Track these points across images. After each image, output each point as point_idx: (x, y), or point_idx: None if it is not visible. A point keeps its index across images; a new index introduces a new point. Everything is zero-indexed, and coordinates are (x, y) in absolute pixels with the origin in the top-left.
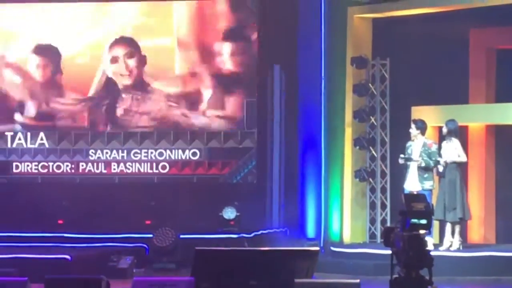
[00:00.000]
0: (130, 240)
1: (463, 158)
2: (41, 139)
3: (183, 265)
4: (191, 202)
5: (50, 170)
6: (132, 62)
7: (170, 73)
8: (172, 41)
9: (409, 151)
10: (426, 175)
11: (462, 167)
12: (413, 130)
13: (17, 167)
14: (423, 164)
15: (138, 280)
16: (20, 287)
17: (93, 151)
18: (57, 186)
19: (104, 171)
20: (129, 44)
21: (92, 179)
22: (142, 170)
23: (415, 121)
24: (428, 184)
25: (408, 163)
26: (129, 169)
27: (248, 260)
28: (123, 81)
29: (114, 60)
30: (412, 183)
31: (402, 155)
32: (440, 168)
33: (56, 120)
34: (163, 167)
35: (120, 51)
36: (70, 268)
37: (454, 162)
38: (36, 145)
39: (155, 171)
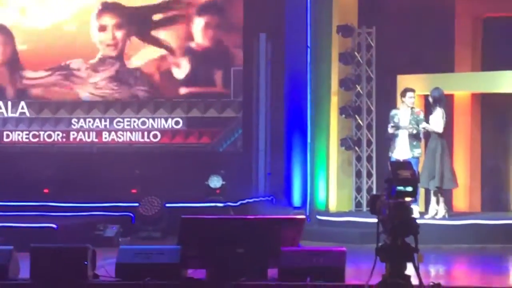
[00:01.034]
0: (116, 209)
1: (437, 128)
2: (22, 107)
3: (169, 233)
4: (177, 171)
5: (34, 139)
6: (119, 34)
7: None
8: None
9: (395, 119)
10: (415, 143)
11: (444, 136)
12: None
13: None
14: (414, 132)
15: (124, 248)
16: (6, 256)
17: (76, 120)
18: (42, 155)
19: (91, 140)
20: (119, 12)
21: (76, 148)
22: (132, 139)
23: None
24: (417, 152)
25: (396, 132)
26: (116, 138)
27: (234, 229)
28: (108, 52)
29: (102, 28)
30: (402, 151)
31: (391, 124)
32: (420, 135)
33: (33, 90)
34: (154, 136)
35: (108, 20)
36: (56, 237)
37: (435, 132)
38: (17, 114)
39: (150, 139)
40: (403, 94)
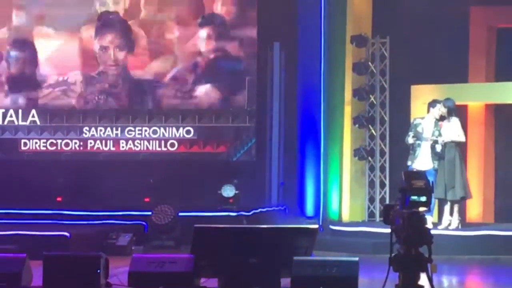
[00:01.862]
0: (129, 217)
1: (461, 137)
2: (33, 116)
3: (182, 242)
4: (190, 180)
5: (48, 148)
6: (121, 55)
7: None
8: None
9: (419, 129)
10: (435, 154)
11: (460, 146)
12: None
13: (21, 144)
14: (433, 144)
15: (137, 257)
16: (19, 264)
17: (87, 128)
18: (56, 163)
19: (105, 148)
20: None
21: (90, 156)
22: (144, 148)
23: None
24: (437, 163)
25: (418, 142)
26: (129, 146)
27: (247, 238)
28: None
29: (103, 49)
30: (424, 162)
31: (412, 133)
32: (438, 148)
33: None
34: (172, 145)
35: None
36: (69, 245)
37: (453, 142)
38: (28, 123)
39: (162, 149)
40: (433, 104)
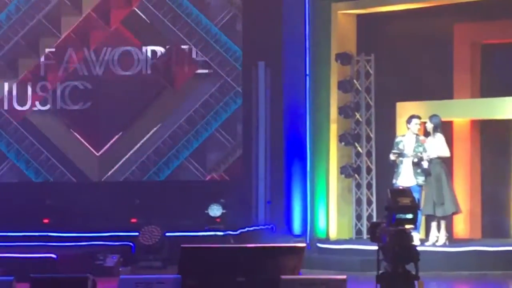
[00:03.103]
0: (116, 238)
1: (445, 153)
2: None
3: (170, 263)
4: (177, 200)
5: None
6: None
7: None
8: None
9: (400, 146)
10: (419, 170)
11: (446, 161)
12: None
13: None
14: (415, 160)
15: (124, 278)
16: (6, 287)
17: None
18: (42, 185)
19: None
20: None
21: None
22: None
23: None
24: (421, 180)
25: (401, 158)
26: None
27: (235, 257)
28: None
29: None
30: (406, 179)
31: (394, 151)
32: (425, 164)
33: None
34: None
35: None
36: (56, 267)
37: (438, 157)
38: None
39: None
40: (409, 120)
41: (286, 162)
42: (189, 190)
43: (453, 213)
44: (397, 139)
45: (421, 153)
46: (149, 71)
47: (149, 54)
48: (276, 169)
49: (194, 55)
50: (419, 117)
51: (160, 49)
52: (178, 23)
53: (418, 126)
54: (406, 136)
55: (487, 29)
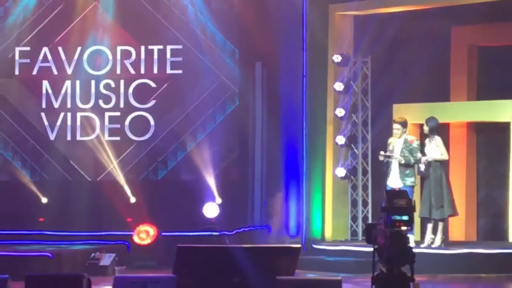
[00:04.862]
0: (111, 237)
1: (445, 156)
2: None
3: (165, 262)
4: (173, 200)
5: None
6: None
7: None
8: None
9: (390, 147)
10: (407, 172)
11: (445, 164)
12: (399, 129)
13: None
14: (402, 161)
15: (119, 277)
16: (1, 285)
17: None
18: (37, 184)
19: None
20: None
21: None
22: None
23: (400, 121)
24: (409, 181)
25: (390, 160)
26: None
27: (230, 258)
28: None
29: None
30: (395, 180)
31: (382, 152)
32: (422, 167)
33: None
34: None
35: None
36: (51, 266)
37: (437, 160)
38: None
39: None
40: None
41: (282, 162)
42: (185, 190)
43: (450, 216)
44: (388, 140)
45: (407, 155)
46: (143, 71)
47: (144, 53)
48: (272, 170)
49: (191, 55)
50: (401, 122)
51: (156, 48)
52: (175, 23)
53: (397, 131)
54: (397, 137)
55: (484, 32)
